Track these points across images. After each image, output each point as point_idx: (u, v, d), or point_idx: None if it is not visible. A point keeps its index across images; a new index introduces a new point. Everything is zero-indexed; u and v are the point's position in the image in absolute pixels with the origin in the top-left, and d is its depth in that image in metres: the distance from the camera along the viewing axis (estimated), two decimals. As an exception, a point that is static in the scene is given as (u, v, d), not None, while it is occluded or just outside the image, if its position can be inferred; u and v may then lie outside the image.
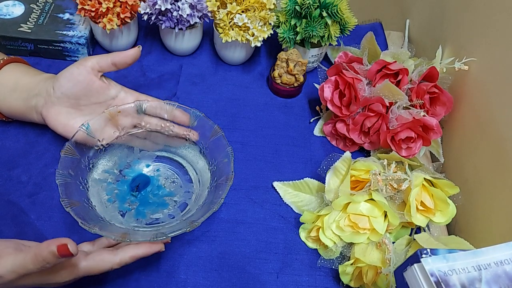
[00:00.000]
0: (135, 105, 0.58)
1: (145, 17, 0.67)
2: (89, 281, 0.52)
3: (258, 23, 0.68)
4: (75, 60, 0.71)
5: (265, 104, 0.73)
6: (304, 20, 0.68)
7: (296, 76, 0.71)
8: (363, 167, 0.57)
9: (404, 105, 0.63)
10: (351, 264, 0.53)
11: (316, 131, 0.71)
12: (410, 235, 0.58)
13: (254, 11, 0.68)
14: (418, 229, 0.59)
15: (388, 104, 0.62)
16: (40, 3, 0.72)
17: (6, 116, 0.60)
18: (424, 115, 0.61)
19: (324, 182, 0.58)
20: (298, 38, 0.69)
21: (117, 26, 0.67)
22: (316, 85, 0.71)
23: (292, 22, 0.68)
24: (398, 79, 0.63)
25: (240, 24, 0.66)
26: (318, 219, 0.57)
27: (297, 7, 0.67)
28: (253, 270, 0.56)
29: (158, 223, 0.55)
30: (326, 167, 0.60)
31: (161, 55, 0.76)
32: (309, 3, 0.65)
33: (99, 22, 0.67)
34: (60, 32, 0.69)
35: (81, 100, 0.56)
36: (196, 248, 0.57)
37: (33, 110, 0.57)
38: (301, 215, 0.58)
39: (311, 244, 0.59)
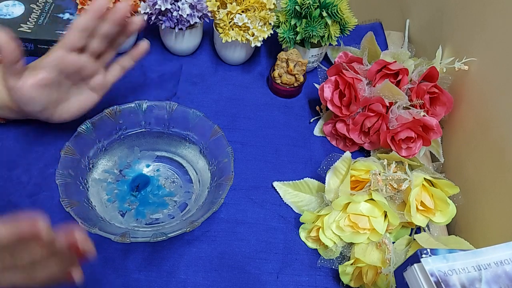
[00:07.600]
0: (135, 104, 0.58)
1: (145, 17, 0.67)
2: (88, 282, 0.52)
3: (258, 23, 0.68)
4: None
5: (265, 104, 0.73)
6: (304, 20, 0.68)
7: (296, 76, 0.71)
8: (363, 167, 0.57)
9: (404, 105, 0.63)
10: (351, 264, 0.53)
11: (316, 131, 0.71)
12: (410, 235, 0.58)
13: (254, 11, 0.68)
14: (418, 229, 0.59)
15: (388, 104, 0.62)
16: (40, 3, 0.72)
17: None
18: (424, 115, 0.61)
19: (324, 182, 0.58)
20: (298, 38, 0.69)
21: (117, 26, 0.67)
22: (316, 85, 0.71)
23: (292, 22, 0.68)
24: (398, 79, 0.63)
25: (240, 24, 0.66)
26: (318, 219, 0.56)
27: (297, 7, 0.67)
28: (253, 270, 0.56)
29: (158, 223, 0.55)
30: (326, 167, 0.60)
31: (161, 55, 0.76)
32: (309, 3, 0.65)
33: (99, 22, 0.67)
34: (60, 32, 0.69)
35: None
36: (196, 248, 0.57)
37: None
38: (301, 215, 0.58)
39: (311, 244, 0.58)
